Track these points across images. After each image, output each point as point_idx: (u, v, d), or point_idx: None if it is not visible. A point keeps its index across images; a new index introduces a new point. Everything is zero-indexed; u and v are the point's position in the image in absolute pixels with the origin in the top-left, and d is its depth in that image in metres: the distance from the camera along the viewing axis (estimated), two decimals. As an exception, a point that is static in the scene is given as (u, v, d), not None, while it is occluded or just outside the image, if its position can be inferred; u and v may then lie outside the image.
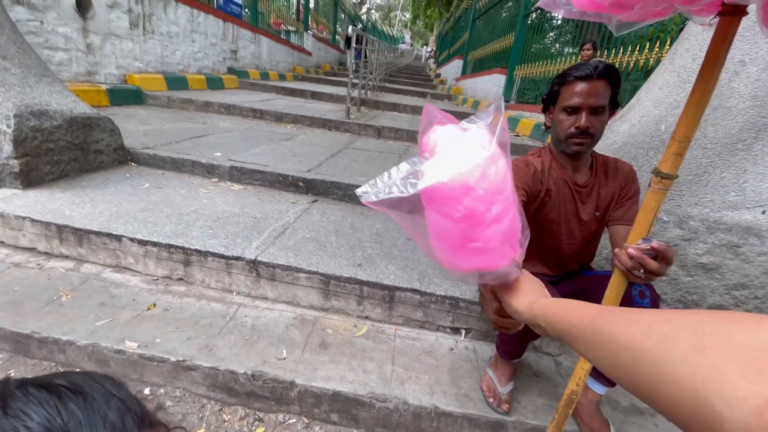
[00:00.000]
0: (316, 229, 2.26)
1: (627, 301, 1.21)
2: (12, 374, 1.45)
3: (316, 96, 7.21)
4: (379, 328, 1.79)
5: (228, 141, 3.63)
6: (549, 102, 1.28)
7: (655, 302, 1.23)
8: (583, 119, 1.18)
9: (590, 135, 1.19)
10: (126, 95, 4.74)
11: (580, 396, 1.34)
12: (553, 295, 0.59)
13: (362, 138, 4.80)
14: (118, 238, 1.88)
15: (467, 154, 0.52)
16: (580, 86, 1.16)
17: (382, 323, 1.82)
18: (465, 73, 11.55)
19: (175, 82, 5.72)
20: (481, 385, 1.49)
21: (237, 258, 1.84)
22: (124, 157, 2.88)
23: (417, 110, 6.85)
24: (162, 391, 1.46)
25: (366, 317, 1.84)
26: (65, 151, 2.42)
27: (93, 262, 1.94)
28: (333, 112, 5.67)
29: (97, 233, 1.88)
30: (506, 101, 7.41)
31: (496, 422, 1.40)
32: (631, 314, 0.38)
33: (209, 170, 2.89)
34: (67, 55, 4.32)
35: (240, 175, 2.86)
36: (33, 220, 1.92)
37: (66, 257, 1.96)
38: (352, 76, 5.38)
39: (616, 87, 1.18)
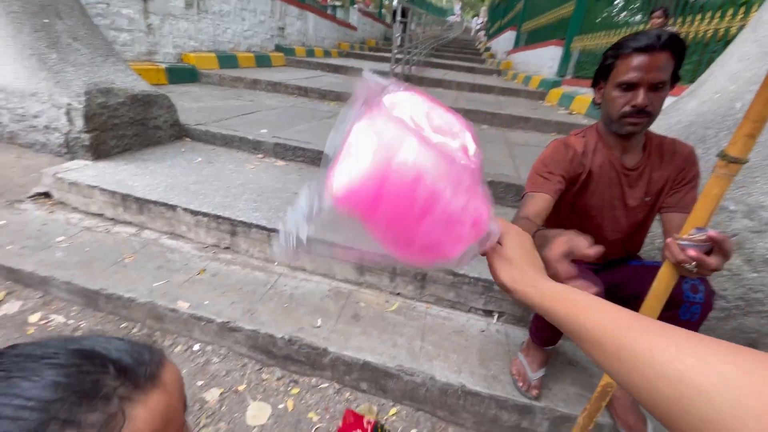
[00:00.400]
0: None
1: (677, 296, 1.13)
2: (83, 326, 1.66)
3: (360, 73, 7.15)
4: (411, 305, 1.82)
5: (273, 118, 3.74)
6: (600, 76, 1.17)
7: (708, 299, 1.13)
8: (640, 97, 1.06)
9: (647, 114, 1.08)
10: (182, 74, 5.00)
11: (616, 389, 1.29)
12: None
13: (404, 116, 4.74)
14: (173, 207, 2.04)
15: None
16: (639, 59, 1.05)
17: (414, 300, 1.85)
18: (517, 45, 10.86)
19: (226, 60, 5.94)
20: (511, 368, 1.48)
21: (278, 231, 1.93)
22: (179, 133, 3.08)
23: (463, 86, 6.60)
24: (209, 348, 1.60)
25: (398, 294, 1.87)
26: (128, 126, 2.63)
27: (152, 229, 2.13)
28: (376, 89, 5.61)
29: (155, 203, 2.05)
30: (561, 76, 6.92)
31: (525, 407, 1.39)
32: (675, 338, 0.33)
33: (255, 146, 3.01)
34: (130, 36, 4.61)
35: (283, 151, 2.95)
36: (102, 189, 2.13)
37: (129, 223, 2.16)
38: (396, 51, 5.26)
39: (680, 59, 1.06)
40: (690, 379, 0.30)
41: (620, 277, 1.35)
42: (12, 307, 1.68)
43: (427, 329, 1.67)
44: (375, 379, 1.49)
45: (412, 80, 6.70)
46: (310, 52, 8.72)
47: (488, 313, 1.80)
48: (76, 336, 0.36)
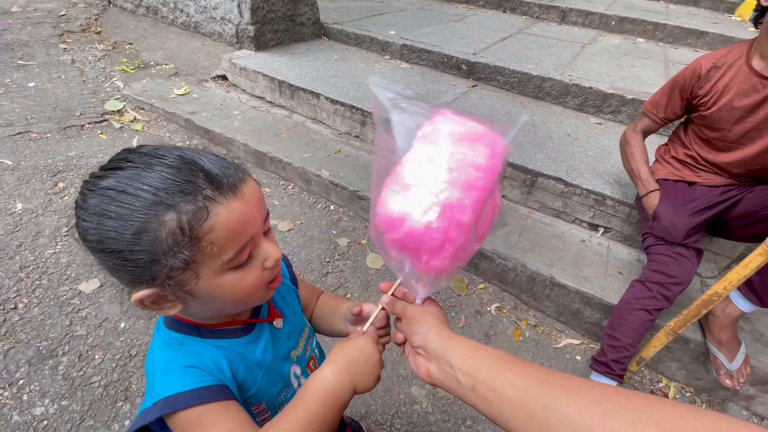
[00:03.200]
0: (471, 111, 2.36)
1: None
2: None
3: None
4: (513, 207, 1.94)
5: (401, 20, 3.74)
6: None
7: None
8: None
9: None
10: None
11: (717, 308, 1.30)
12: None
13: (540, 23, 4.24)
14: (317, 95, 2.38)
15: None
16: None
17: (518, 204, 1.96)
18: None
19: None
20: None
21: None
22: (319, 31, 3.35)
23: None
24: (341, 209, 2.01)
25: (503, 196, 1.99)
26: (281, 21, 2.97)
27: (299, 114, 2.54)
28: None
29: (304, 90, 2.42)
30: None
31: (610, 308, 1.49)
32: (597, 395, 0.32)
33: (383, 47, 3.14)
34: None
35: (409, 53, 3.03)
36: (264, 75, 2.56)
37: (283, 107, 2.61)
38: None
39: None
40: None
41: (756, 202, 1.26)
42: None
43: (526, 229, 1.80)
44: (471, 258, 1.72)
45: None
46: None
47: (593, 227, 1.83)
48: (181, 146, 0.47)
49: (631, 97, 2.34)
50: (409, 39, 3.11)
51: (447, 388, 0.43)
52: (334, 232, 1.89)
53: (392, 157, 0.49)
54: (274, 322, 0.59)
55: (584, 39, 3.69)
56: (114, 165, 0.43)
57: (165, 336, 0.52)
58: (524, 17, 4.41)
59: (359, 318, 0.63)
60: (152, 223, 0.40)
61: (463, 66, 2.83)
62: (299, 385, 0.63)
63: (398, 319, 0.55)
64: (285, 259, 0.66)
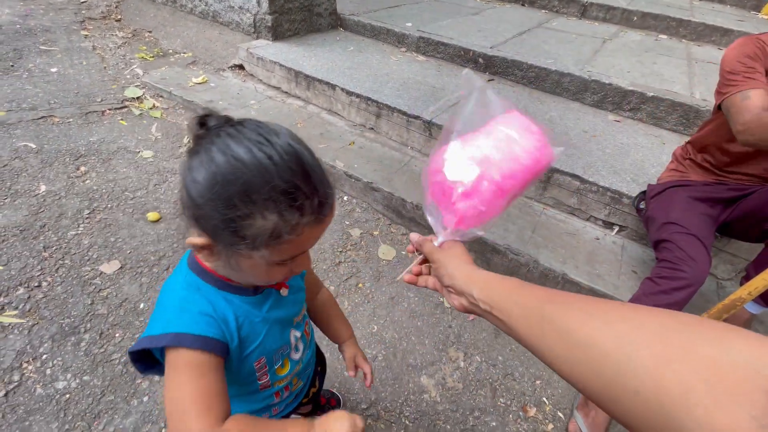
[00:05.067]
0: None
1: None
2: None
3: None
4: (527, 203, 1.93)
5: (417, 12, 3.71)
6: None
7: None
8: None
9: None
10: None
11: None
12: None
13: (560, 17, 4.16)
14: (333, 86, 2.39)
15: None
16: None
17: (532, 200, 1.95)
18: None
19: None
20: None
21: (416, 117, 2.14)
22: (335, 22, 3.35)
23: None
24: (354, 201, 2.02)
25: (518, 191, 1.98)
26: (298, 11, 2.97)
27: (315, 105, 2.56)
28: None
29: (320, 81, 2.43)
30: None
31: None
32: (587, 305, 0.35)
33: (400, 39, 3.12)
34: None
35: (425, 46, 3.01)
36: (280, 65, 2.57)
37: (298, 98, 2.62)
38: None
39: None
40: (595, 341, 0.31)
41: None
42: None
43: (539, 225, 1.79)
44: (482, 251, 1.72)
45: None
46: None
47: (608, 225, 1.81)
48: (305, 146, 0.50)
49: (651, 94, 2.29)
50: (425, 31, 3.09)
51: (476, 314, 0.51)
52: (347, 222, 1.90)
53: (462, 126, 0.58)
54: (281, 291, 0.65)
55: (605, 34, 3.62)
56: (253, 136, 0.45)
57: (187, 276, 0.57)
58: (543, 11, 4.34)
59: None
60: (258, 215, 0.44)
61: (480, 59, 2.80)
62: (296, 348, 0.71)
63: (425, 261, 0.63)
64: None
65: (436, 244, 0.60)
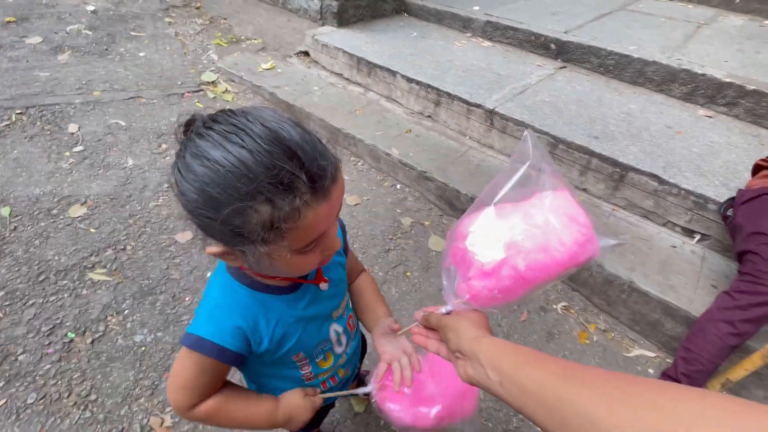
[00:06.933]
0: (556, 95, 2.19)
1: None
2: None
3: None
4: (595, 203, 1.79)
5: (486, -5, 3.54)
6: None
7: None
8: None
9: None
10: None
11: None
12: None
13: (648, -1, 3.74)
14: (394, 73, 2.37)
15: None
16: None
17: (600, 200, 1.81)
18: None
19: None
20: None
21: (477, 105, 2.06)
22: (399, 7, 3.30)
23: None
24: (407, 189, 2.02)
25: (584, 189, 1.85)
26: (363, -3, 2.97)
27: (374, 92, 2.56)
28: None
29: (381, 67, 2.42)
30: None
31: (693, 320, 1.34)
32: (609, 388, 0.32)
33: (465, 24, 3.00)
34: None
35: (492, 31, 2.87)
36: (344, 52, 2.60)
37: (359, 84, 2.64)
38: None
39: None
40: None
41: None
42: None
43: (606, 227, 1.66)
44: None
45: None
46: None
47: (688, 233, 1.63)
48: (293, 120, 0.47)
49: (752, 87, 2.00)
50: (494, 15, 2.94)
51: (482, 386, 0.45)
52: (399, 210, 1.90)
53: (503, 194, 0.54)
54: (320, 285, 0.64)
55: (700, 18, 3.20)
56: (224, 129, 0.43)
57: (224, 276, 0.60)
58: (628, -8, 3.92)
59: (392, 332, 0.70)
60: (248, 210, 0.42)
61: (552, 45, 2.62)
62: (338, 342, 0.72)
63: (430, 328, 0.58)
64: (342, 226, 0.70)
65: (443, 311, 0.57)
